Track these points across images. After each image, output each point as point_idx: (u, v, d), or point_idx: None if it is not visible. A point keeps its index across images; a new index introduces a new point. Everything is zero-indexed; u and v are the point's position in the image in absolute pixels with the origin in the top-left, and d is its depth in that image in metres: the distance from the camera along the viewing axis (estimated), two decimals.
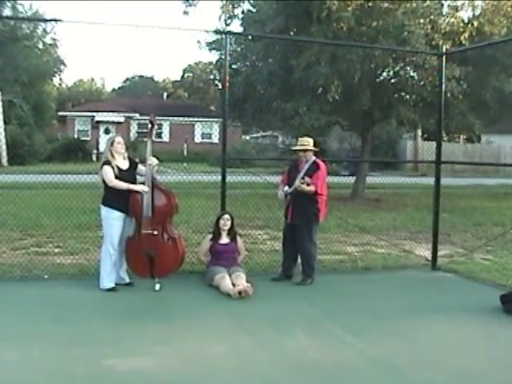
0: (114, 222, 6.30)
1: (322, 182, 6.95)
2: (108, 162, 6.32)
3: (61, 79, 52.40)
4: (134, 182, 6.43)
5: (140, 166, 6.54)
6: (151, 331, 5.14)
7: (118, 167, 6.33)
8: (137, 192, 6.31)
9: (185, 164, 28.39)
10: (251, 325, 5.42)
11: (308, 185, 6.73)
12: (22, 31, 33.77)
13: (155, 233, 6.36)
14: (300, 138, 7.26)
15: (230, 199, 7.50)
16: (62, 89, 55.49)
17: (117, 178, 6.28)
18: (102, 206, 6.38)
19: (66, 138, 35.92)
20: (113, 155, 6.35)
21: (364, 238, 10.10)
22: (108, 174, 6.27)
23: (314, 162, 7.04)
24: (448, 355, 4.76)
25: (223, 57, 7.95)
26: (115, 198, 6.27)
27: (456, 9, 15.69)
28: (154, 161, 6.42)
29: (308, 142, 7.09)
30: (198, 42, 19.54)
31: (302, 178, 6.77)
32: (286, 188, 7.00)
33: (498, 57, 15.07)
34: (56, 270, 7.22)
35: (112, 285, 6.37)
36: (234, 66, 17.26)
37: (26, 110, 34.26)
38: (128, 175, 6.39)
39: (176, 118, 39.91)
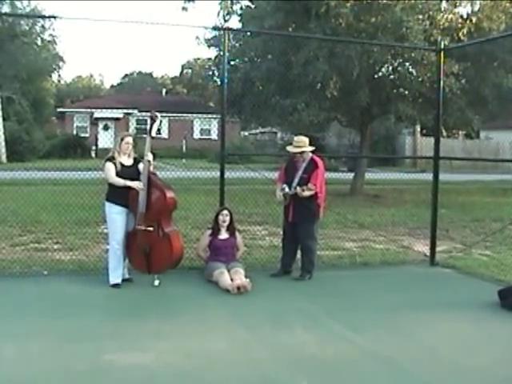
0: (115, 216, 6.34)
1: (321, 180, 6.90)
2: (111, 159, 6.38)
3: (59, 75, 52.28)
4: (137, 177, 6.42)
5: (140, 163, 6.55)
6: (150, 326, 5.16)
7: (121, 163, 6.38)
8: (134, 188, 6.34)
9: (184, 160, 28.41)
10: (250, 320, 5.44)
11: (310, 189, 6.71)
12: (21, 28, 33.70)
13: (150, 229, 6.34)
14: (295, 138, 7.09)
15: (228, 195, 7.51)
16: (60, 85, 55.40)
17: (118, 174, 6.33)
18: (105, 202, 6.44)
19: (65, 134, 35.90)
20: (118, 152, 6.40)
21: (362, 233, 10.12)
22: (109, 170, 6.34)
23: (312, 159, 6.98)
24: (446, 350, 4.78)
25: (222, 53, 7.92)
26: (117, 194, 6.33)
27: (455, 5, 15.69)
28: (151, 156, 6.44)
29: (304, 143, 6.94)
30: (197, 38, 19.46)
31: (304, 185, 6.72)
32: (285, 187, 6.90)
33: (496, 52, 15.06)
34: (55, 266, 7.23)
35: (117, 281, 6.37)
36: (232, 63, 17.23)
37: (25, 107, 34.26)
38: (131, 171, 6.42)
39: (175, 114, 39.86)
